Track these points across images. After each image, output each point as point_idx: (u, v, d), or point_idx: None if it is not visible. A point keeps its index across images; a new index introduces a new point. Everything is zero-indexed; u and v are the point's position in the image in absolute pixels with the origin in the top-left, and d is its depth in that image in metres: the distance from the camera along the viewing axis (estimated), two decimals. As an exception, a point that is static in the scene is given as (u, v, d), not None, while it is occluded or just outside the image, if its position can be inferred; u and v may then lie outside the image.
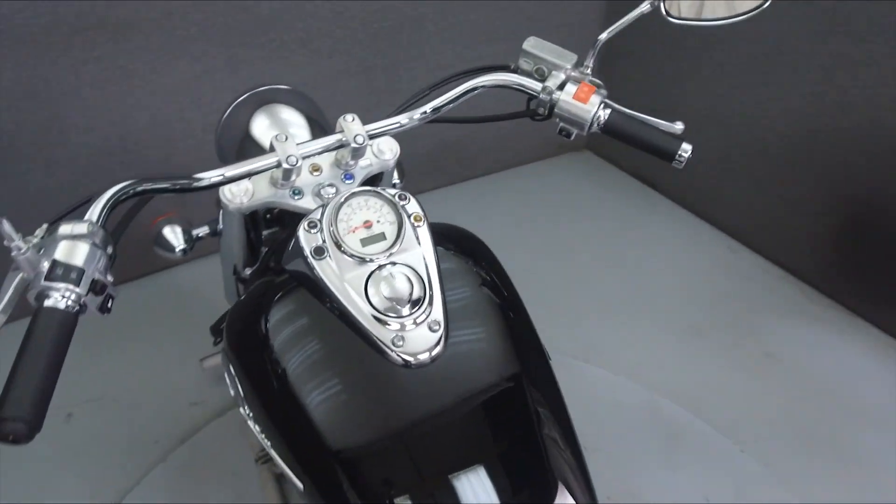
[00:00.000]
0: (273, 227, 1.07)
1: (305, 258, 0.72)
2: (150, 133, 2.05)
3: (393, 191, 0.77)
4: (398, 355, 0.68)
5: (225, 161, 0.76)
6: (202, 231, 1.02)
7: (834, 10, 1.90)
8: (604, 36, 0.84)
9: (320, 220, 0.74)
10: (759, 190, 2.35)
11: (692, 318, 2.17)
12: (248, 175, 0.77)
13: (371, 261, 0.72)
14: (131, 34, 1.87)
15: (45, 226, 0.64)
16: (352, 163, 0.84)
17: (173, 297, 2.21)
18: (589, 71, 0.85)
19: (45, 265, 0.57)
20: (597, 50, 0.84)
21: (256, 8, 2.01)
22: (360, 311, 0.70)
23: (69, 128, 1.92)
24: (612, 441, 1.69)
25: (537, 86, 0.86)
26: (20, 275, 0.59)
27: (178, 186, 0.72)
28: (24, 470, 1.62)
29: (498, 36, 2.49)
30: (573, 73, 0.85)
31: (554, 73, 0.86)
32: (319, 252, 0.72)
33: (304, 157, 0.78)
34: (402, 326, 0.69)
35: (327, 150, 0.81)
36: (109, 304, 0.62)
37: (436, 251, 0.75)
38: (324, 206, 0.75)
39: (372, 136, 0.82)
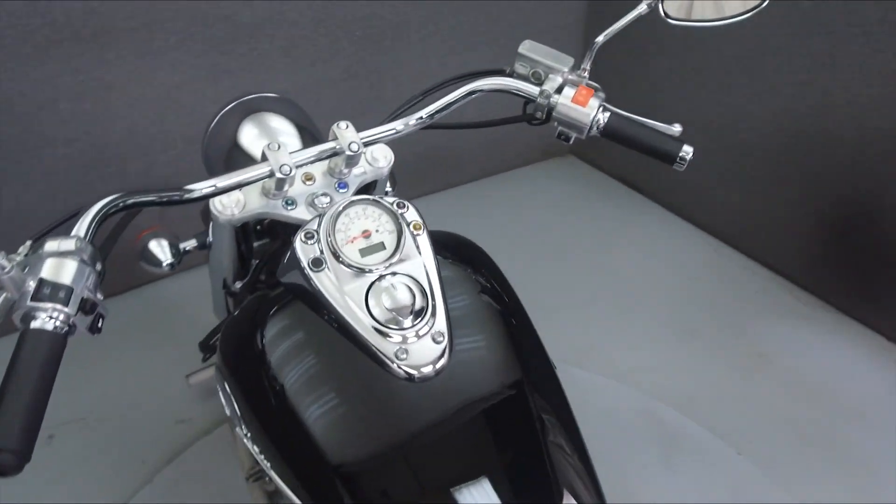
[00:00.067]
0: (263, 238, 1.04)
1: (303, 270, 0.70)
2: (129, 145, 2.01)
3: (391, 199, 0.75)
4: (401, 369, 0.66)
5: (213, 172, 0.73)
6: (190, 244, 0.99)
7: (816, 11, 1.92)
8: (600, 38, 0.83)
9: (317, 231, 0.71)
10: (743, 192, 2.37)
11: (682, 321, 2.17)
12: (240, 185, 0.75)
13: (371, 271, 0.70)
14: (109, 44, 1.83)
15: (28, 242, 0.61)
16: (346, 171, 0.82)
17: (157, 312, 2.16)
18: (586, 74, 0.84)
19: (31, 284, 0.54)
20: (594, 52, 0.83)
21: (237, 17, 1.98)
22: (361, 323, 0.68)
23: (46, 141, 1.87)
24: (608, 446, 1.67)
25: (534, 90, 0.84)
26: (3, 295, 0.56)
27: (168, 199, 0.69)
28: (2, 496, 1.56)
29: (481, 42, 2.49)
30: (570, 77, 0.84)
31: (551, 76, 0.84)
32: (317, 264, 0.70)
33: (297, 166, 0.75)
34: (405, 339, 0.67)
35: (321, 158, 0.78)
36: (100, 324, 0.59)
37: (436, 260, 0.73)
38: (320, 216, 0.72)
39: (366, 144, 0.80)
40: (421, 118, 0.83)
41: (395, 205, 0.74)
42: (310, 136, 1.02)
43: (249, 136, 0.99)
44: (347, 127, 0.78)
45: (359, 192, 0.83)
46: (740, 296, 2.28)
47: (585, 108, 0.81)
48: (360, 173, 0.84)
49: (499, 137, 2.83)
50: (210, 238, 0.96)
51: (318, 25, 2.13)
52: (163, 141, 2.06)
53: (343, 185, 0.82)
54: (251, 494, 1.43)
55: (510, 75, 0.87)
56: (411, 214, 0.75)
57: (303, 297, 0.73)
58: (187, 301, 2.14)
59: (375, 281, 0.69)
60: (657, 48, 2.44)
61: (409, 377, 0.66)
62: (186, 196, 0.71)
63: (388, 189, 1.02)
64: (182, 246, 0.96)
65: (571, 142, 0.85)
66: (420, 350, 0.67)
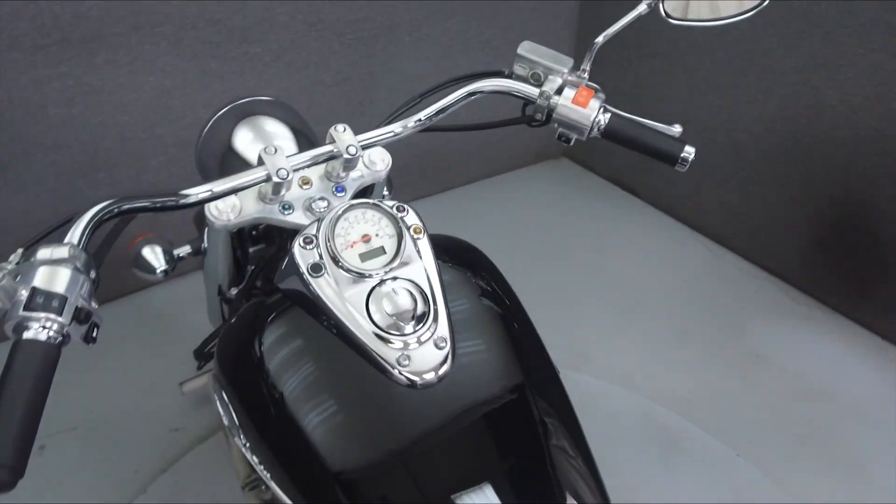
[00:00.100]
0: (259, 244, 1.03)
1: (301, 276, 0.69)
2: (119, 150, 1.99)
3: (391, 202, 0.74)
4: (404, 375, 0.65)
5: (207, 177, 0.72)
6: (184, 251, 0.97)
7: (808, 12, 1.93)
8: (600, 39, 0.82)
9: (316, 236, 0.70)
10: (737, 192, 2.37)
11: (679, 323, 2.16)
12: (236, 190, 0.73)
13: (371, 276, 0.68)
14: (98, 49, 1.81)
15: (20, 250, 0.59)
16: (343, 175, 0.81)
17: (150, 319, 2.14)
18: (586, 75, 0.83)
19: (24, 293, 0.53)
20: (593, 53, 0.82)
21: (228, 21, 1.96)
22: (362, 329, 0.66)
23: (35, 147, 1.85)
24: (607, 450, 1.66)
25: (534, 91, 0.83)
26: None
27: (163, 204, 0.67)
28: (-7, 508, 1.54)
29: (473, 45, 2.49)
30: (570, 78, 0.83)
31: (550, 77, 0.83)
32: (316, 269, 0.68)
33: (294, 170, 0.74)
34: (407, 345, 0.66)
35: (318, 162, 0.77)
36: (95, 333, 0.57)
37: (437, 264, 0.72)
38: (319, 221, 0.71)
39: (364, 147, 0.79)
40: (420, 120, 0.82)
41: (394, 208, 0.73)
42: (305, 139, 1.00)
43: (244, 141, 0.98)
44: (345, 130, 0.77)
45: (356, 196, 0.81)
46: (736, 297, 2.28)
47: (586, 109, 0.80)
48: (357, 177, 0.83)
49: (492, 140, 2.83)
50: (205, 244, 0.95)
51: (309, 29, 2.11)
52: (154, 146, 2.04)
53: (340, 188, 0.81)
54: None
55: (509, 77, 0.86)
56: (411, 218, 0.73)
57: (301, 303, 0.72)
58: (180, 308, 2.12)
59: (376, 286, 0.68)
60: (650, 50, 2.44)
61: (412, 384, 0.65)
62: (182, 201, 0.69)
63: (386, 193, 1.01)
64: (176, 252, 0.94)
65: (572, 143, 0.84)
66: (422, 356, 0.66)
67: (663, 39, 2.39)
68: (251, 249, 1.02)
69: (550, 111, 0.83)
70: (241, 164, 0.95)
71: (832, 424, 1.82)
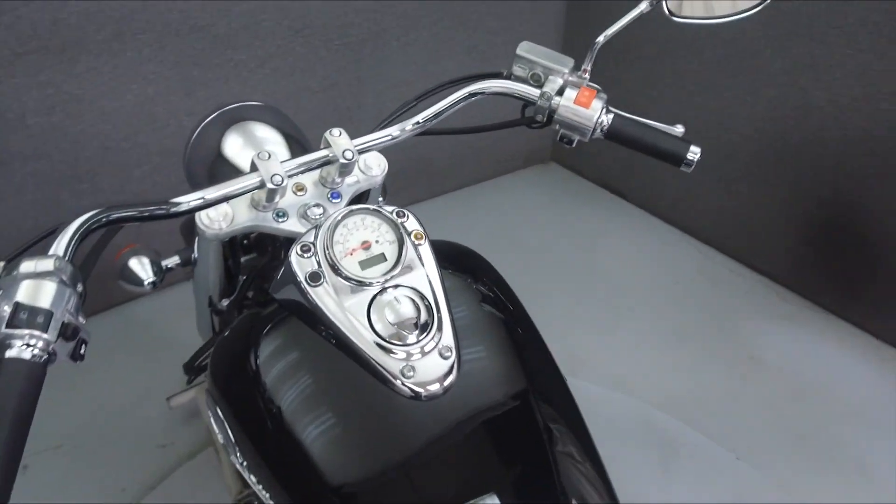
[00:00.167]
0: (251, 253, 1.00)
1: (299, 285, 0.66)
2: (101, 160, 1.94)
3: (390, 207, 0.71)
4: (408, 387, 0.62)
5: (196, 186, 0.69)
6: (172, 261, 0.94)
7: (796, 13, 1.93)
8: (601, 39, 0.80)
9: (314, 243, 0.67)
10: (727, 194, 2.37)
11: (672, 326, 2.15)
12: (229, 198, 0.70)
13: (372, 284, 0.66)
14: (78, 56, 1.77)
15: (1, 263, 0.56)
16: (338, 180, 0.78)
17: (136, 332, 2.09)
18: (587, 75, 0.81)
19: (6, 309, 0.49)
20: (594, 53, 0.80)
21: (212, 27, 1.93)
22: (364, 339, 0.63)
23: (14, 157, 1.80)
24: (605, 455, 1.65)
25: (535, 92, 0.81)
26: None
27: (152, 213, 0.64)
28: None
29: (461, 50, 2.48)
30: (571, 78, 0.81)
31: (551, 77, 0.81)
32: (315, 278, 0.65)
33: (289, 176, 0.71)
34: (410, 355, 0.63)
35: (314, 167, 0.74)
36: (82, 350, 0.54)
37: (440, 271, 0.70)
38: (317, 228, 0.68)
39: (360, 152, 0.76)
40: (418, 123, 0.79)
41: (394, 213, 0.70)
42: (298, 145, 0.97)
43: (234, 147, 0.95)
44: (340, 134, 0.74)
45: (351, 202, 0.79)
46: (728, 299, 2.28)
47: (589, 109, 0.79)
48: (353, 182, 0.80)
49: (481, 145, 2.82)
50: (195, 254, 0.91)
51: (295, 35, 2.09)
52: (137, 155, 2.00)
53: (336, 194, 0.78)
54: (240, 520, 1.37)
55: (508, 78, 0.84)
56: (412, 223, 0.71)
57: (299, 313, 0.69)
58: (168, 320, 2.07)
59: (377, 294, 0.65)
60: (637, 53, 2.44)
61: (416, 396, 0.62)
62: (173, 210, 0.66)
63: (380, 199, 0.99)
64: (164, 263, 0.91)
65: (574, 144, 0.82)
66: (427, 366, 0.63)
67: (651, 43, 2.39)
68: (243, 259, 0.99)
69: (552, 112, 0.81)
70: (232, 172, 0.92)
71: (829, 424, 1.82)
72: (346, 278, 0.65)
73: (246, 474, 0.68)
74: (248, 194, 0.72)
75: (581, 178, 2.98)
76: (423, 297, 0.66)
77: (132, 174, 2.02)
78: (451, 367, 0.63)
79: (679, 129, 0.82)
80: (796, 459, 1.73)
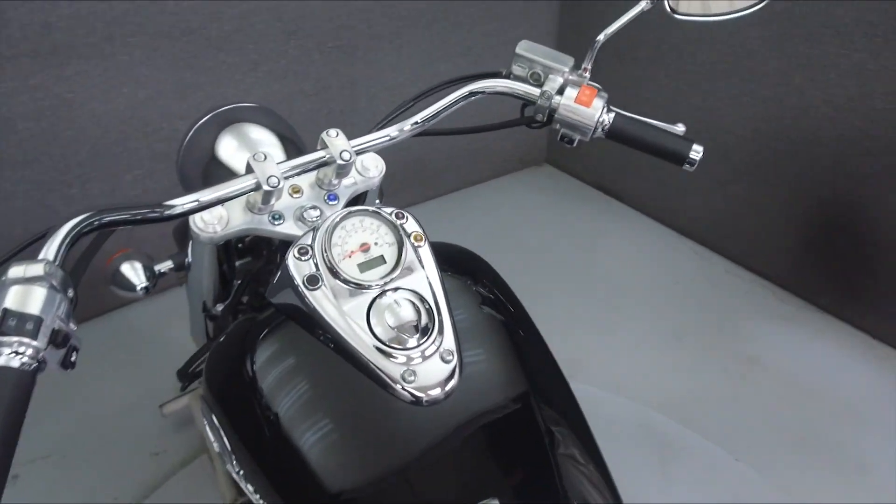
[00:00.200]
0: (245, 257, 0.98)
1: (296, 289, 0.64)
2: (92, 165, 1.92)
3: (389, 209, 0.70)
4: (408, 392, 0.61)
5: (189, 189, 0.67)
6: (165, 266, 0.91)
7: (790, 13, 1.93)
8: (601, 37, 0.79)
9: (312, 246, 0.65)
10: (723, 195, 2.37)
11: (669, 327, 2.15)
12: (224, 200, 0.68)
13: (371, 287, 0.64)
14: (69, 60, 1.75)
15: (-12, 268, 0.54)
16: (335, 182, 0.77)
17: (128, 339, 2.06)
18: (587, 74, 0.80)
19: None
20: (595, 51, 0.79)
21: (204, 30, 1.91)
22: (363, 344, 0.62)
23: (3, 162, 1.78)
24: (606, 459, 1.64)
25: (535, 91, 0.80)
26: None
27: (146, 216, 0.63)
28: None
29: (455, 53, 2.47)
30: (571, 77, 0.80)
31: (551, 76, 0.80)
32: (313, 281, 0.64)
33: (285, 178, 0.70)
34: (411, 359, 0.62)
35: (310, 168, 0.73)
36: (73, 358, 0.52)
37: (440, 273, 0.68)
38: (315, 230, 0.66)
39: (358, 152, 0.75)
40: (416, 123, 0.78)
41: (394, 215, 0.69)
42: (293, 146, 0.96)
43: (228, 149, 0.93)
44: (338, 135, 0.73)
45: (348, 204, 0.78)
46: (725, 299, 2.28)
47: (590, 108, 0.77)
48: (350, 184, 0.79)
49: (474, 148, 2.81)
50: (188, 258, 0.90)
51: (288, 38, 2.07)
52: (128, 160, 1.98)
53: (333, 196, 0.77)
54: (235, 530, 1.35)
55: (507, 77, 0.83)
56: (411, 225, 0.70)
57: (296, 318, 0.67)
58: (160, 326, 2.05)
59: (377, 297, 0.64)
60: (632, 55, 2.43)
61: (417, 401, 0.61)
62: (167, 213, 0.64)
63: (377, 201, 0.97)
64: (157, 268, 0.89)
65: (575, 144, 0.81)
66: (428, 371, 0.62)
67: (645, 44, 2.39)
68: (238, 263, 0.97)
69: (552, 112, 0.79)
70: (226, 174, 0.91)
71: (827, 424, 1.81)
72: (345, 281, 0.64)
73: (242, 483, 0.67)
74: (244, 197, 0.71)
75: (576, 181, 2.97)
76: (423, 300, 0.64)
77: (123, 179, 1.99)
78: (453, 371, 0.62)
79: (680, 128, 0.81)
80: (795, 460, 1.72)
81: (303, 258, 0.65)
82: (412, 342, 0.62)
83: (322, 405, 0.65)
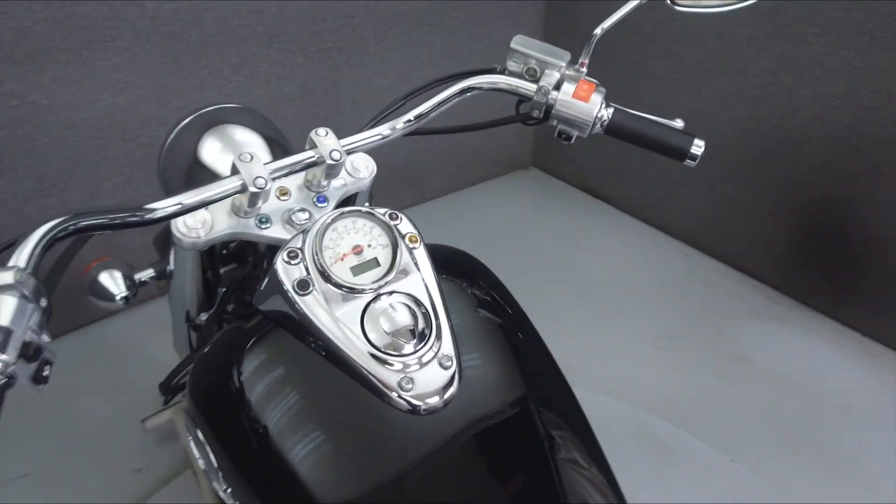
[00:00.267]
0: (230, 263, 0.94)
1: (286, 295, 0.61)
2: (70, 174, 1.87)
3: (383, 209, 0.67)
4: (406, 400, 0.58)
5: (171, 193, 0.64)
6: (146, 275, 0.88)
7: (777, 12, 1.93)
8: (598, 31, 0.76)
9: (302, 249, 0.62)
10: (711, 195, 2.36)
11: (661, 329, 2.13)
12: (208, 203, 0.65)
13: (365, 291, 0.61)
14: (44, 66, 1.70)
15: (-46, 278, 0.50)
16: (325, 183, 0.74)
17: (106, 352, 2.00)
18: (584, 69, 0.78)
19: None
20: (592, 46, 0.77)
21: (185, 34, 1.87)
22: (357, 351, 0.59)
23: (-24, 172, 1.72)
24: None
25: (531, 87, 0.77)
26: None
27: (125, 220, 0.59)
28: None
29: (440, 56, 2.45)
30: (568, 72, 0.78)
31: (547, 72, 0.78)
32: (304, 286, 0.61)
33: (272, 179, 0.66)
34: (407, 366, 0.59)
35: (299, 169, 0.70)
36: (46, 372, 0.49)
37: (436, 276, 0.65)
38: (305, 233, 0.63)
39: (348, 152, 0.72)
40: (409, 121, 0.75)
41: (387, 216, 0.66)
42: (280, 148, 0.93)
43: (212, 151, 0.89)
44: (327, 134, 0.70)
45: (338, 207, 0.75)
46: (715, 300, 2.27)
47: (588, 103, 0.75)
48: (340, 185, 0.76)
49: (460, 151, 2.78)
50: (171, 266, 0.86)
51: (271, 41, 2.04)
52: (107, 168, 1.93)
53: (322, 198, 0.74)
54: (223, 547, 1.30)
55: (501, 73, 0.81)
56: (406, 226, 0.67)
57: (286, 325, 0.64)
58: (141, 338, 1.99)
59: (371, 302, 0.61)
60: (617, 56, 2.43)
61: (415, 409, 0.58)
62: (147, 216, 0.61)
63: (367, 203, 0.94)
64: (137, 277, 0.85)
65: (572, 140, 0.78)
66: (426, 378, 0.59)
67: (632, 45, 2.38)
68: (222, 270, 0.93)
69: (549, 108, 0.77)
70: (210, 177, 0.87)
71: (821, 422, 1.81)
72: (337, 285, 0.61)
73: (230, 501, 0.63)
74: (229, 199, 0.68)
75: (563, 184, 2.96)
76: (419, 304, 0.61)
77: (102, 187, 1.94)
78: (452, 377, 0.59)
79: (679, 123, 0.80)
80: (790, 459, 1.71)
81: (292, 262, 0.62)
82: (409, 348, 0.59)
83: (314, 417, 0.62)
